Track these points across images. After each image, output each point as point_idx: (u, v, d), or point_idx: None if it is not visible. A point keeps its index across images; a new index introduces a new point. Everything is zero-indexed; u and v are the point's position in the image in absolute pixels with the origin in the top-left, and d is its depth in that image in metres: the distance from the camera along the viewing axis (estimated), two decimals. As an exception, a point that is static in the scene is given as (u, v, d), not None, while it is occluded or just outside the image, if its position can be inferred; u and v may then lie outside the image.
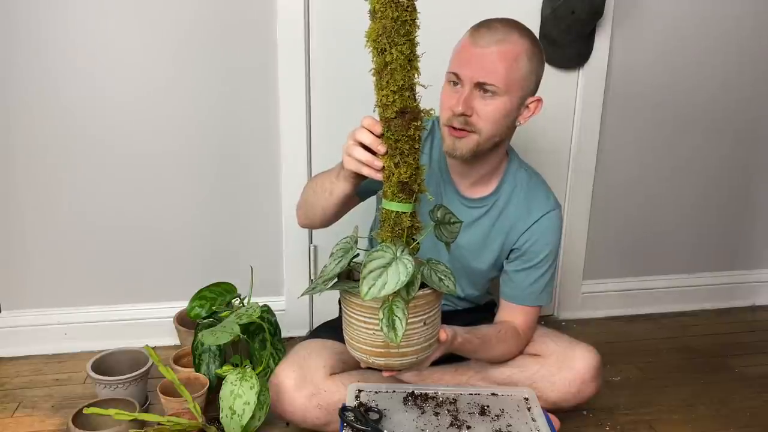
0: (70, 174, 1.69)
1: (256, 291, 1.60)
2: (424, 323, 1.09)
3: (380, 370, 1.44)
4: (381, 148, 1.04)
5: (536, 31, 1.79)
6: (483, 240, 1.43)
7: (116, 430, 1.29)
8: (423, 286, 1.07)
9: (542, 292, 1.43)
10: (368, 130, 1.05)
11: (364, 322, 1.08)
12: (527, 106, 1.33)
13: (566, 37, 1.80)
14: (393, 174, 1.04)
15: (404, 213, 1.05)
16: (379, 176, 1.07)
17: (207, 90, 1.70)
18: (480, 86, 1.26)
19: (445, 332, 1.18)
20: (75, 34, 1.60)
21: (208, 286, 1.59)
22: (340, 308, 1.18)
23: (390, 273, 0.99)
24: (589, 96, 1.90)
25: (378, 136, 1.05)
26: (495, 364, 1.43)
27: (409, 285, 1.01)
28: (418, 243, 1.08)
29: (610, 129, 1.96)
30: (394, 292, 0.99)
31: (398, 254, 1.01)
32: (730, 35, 1.97)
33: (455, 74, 1.28)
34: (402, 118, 1.01)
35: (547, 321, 1.99)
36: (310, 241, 1.87)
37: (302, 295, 1.21)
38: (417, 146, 1.04)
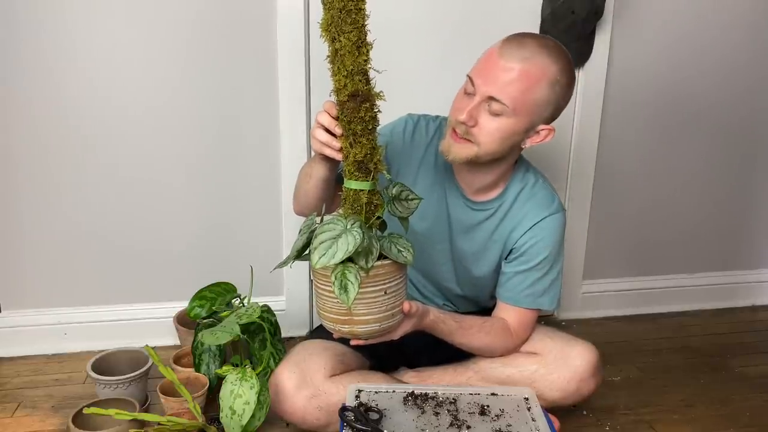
0: (70, 174, 1.69)
1: (256, 291, 1.60)
2: (385, 292, 1.14)
3: (376, 368, 1.46)
4: (337, 130, 1.12)
5: (536, 31, 1.79)
6: (485, 243, 1.42)
7: (116, 430, 1.29)
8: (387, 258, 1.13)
9: (542, 296, 1.41)
10: (327, 113, 1.12)
11: (330, 291, 1.11)
12: (537, 132, 1.30)
13: (566, 37, 1.79)
14: (350, 154, 1.12)
15: (362, 191, 1.12)
16: (339, 156, 1.14)
17: (207, 90, 1.70)
18: (490, 100, 1.24)
19: (409, 304, 1.20)
20: (75, 35, 1.60)
21: (208, 286, 1.59)
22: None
23: (339, 243, 1.05)
24: (589, 96, 1.90)
25: (335, 119, 1.11)
26: (489, 360, 1.43)
27: (367, 255, 1.08)
28: (377, 218, 1.14)
29: (610, 129, 1.96)
30: (352, 261, 1.07)
31: (348, 226, 1.07)
32: (730, 34, 1.96)
33: (471, 81, 1.26)
34: (354, 101, 1.08)
35: (546, 321, 1.99)
36: (310, 241, 1.87)
37: (274, 269, 1.28)
38: (370, 127, 1.10)
